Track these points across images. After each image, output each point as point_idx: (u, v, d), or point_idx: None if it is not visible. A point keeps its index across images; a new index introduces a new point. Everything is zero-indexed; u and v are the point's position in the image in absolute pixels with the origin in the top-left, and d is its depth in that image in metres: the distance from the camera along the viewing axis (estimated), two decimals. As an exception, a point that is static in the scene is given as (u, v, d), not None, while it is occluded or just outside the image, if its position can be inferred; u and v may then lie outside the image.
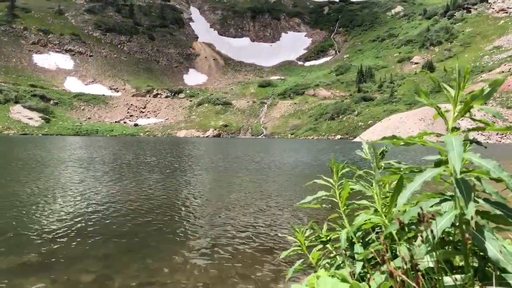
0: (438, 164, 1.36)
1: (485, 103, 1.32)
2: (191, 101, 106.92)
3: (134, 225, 5.53)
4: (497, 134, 49.79)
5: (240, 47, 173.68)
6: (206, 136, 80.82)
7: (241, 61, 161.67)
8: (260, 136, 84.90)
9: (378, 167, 2.15)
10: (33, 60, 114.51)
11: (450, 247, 1.33)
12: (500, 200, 1.24)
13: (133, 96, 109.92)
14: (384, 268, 1.25)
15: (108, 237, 4.85)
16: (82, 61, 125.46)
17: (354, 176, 2.29)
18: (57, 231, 5.02)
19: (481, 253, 1.22)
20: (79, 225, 5.39)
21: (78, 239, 4.71)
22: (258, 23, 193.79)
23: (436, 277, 1.18)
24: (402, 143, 1.49)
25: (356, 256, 1.84)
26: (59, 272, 3.65)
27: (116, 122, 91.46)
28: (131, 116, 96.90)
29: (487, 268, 1.25)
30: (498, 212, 1.22)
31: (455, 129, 1.39)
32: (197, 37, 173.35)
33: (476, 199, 1.25)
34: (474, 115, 1.43)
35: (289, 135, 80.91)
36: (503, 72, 72.57)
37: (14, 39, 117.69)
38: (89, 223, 5.52)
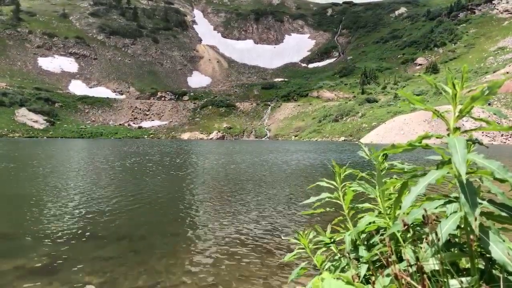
0: (440, 165, 1.34)
1: (489, 104, 1.31)
2: (195, 103, 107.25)
3: (138, 227, 5.53)
4: (502, 135, 49.45)
5: (243, 50, 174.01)
6: (210, 139, 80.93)
7: (244, 64, 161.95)
8: (263, 138, 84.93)
9: (381, 168, 2.14)
10: (38, 63, 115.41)
11: (455, 249, 1.31)
12: (505, 201, 1.22)
13: (137, 98, 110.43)
14: (389, 270, 1.25)
15: (111, 239, 4.86)
16: (87, 64, 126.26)
17: (357, 178, 2.27)
18: (60, 233, 5.03)
19: (487, 255, 1.19)
20: (82, 227, 5.40)
21: (81, 241, 4.72)
22: (262, 26, 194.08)
23: (441, 280, 1.17)
24: (401, 150, 1.47)
25: (361, 258, 1.83)
26: (62, 275, 3.66)
27: (120, 124, 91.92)
28: (135, 118, 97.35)
29: (493, 271, 1.23)
30: (503, 213, 1.20)
31: (456, 129, 1.37)
32: (201, 40, 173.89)
33: (481, 201, 1.22)
34: (479, 116, 1.42)
35: (293, 137, 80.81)
36: (507, 73, 72.03)
37: (19, 42, 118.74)
38: (92, 225, 5.53)
